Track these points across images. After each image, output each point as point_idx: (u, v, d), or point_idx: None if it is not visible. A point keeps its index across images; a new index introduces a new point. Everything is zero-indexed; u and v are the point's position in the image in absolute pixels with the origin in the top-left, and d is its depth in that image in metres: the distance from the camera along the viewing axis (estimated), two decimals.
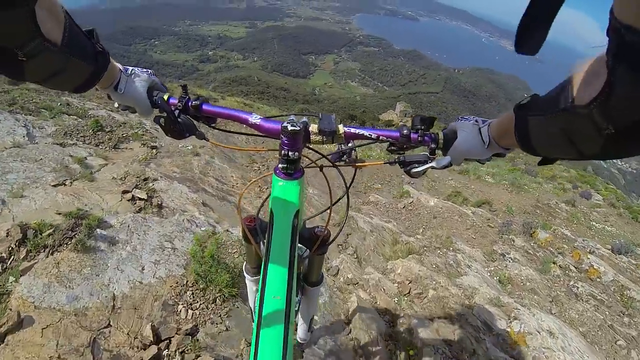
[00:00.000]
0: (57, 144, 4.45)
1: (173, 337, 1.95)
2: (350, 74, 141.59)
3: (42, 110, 5.98)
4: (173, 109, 0.97)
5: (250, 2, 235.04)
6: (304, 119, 0.96)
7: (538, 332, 2.53)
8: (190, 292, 2.14)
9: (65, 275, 2.07)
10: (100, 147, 5.08)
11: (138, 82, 0.94)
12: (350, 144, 1.04)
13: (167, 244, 2.49)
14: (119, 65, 0.92)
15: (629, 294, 4.12)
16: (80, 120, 5.86)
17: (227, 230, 2.89)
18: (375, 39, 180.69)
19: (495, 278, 3.92)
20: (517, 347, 2.48)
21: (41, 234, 2.28)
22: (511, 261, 4.52)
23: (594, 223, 8.24)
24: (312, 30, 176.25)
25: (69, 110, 6.42)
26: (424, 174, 0.97)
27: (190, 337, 1.96)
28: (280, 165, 0.95)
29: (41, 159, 3.91)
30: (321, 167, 1.11)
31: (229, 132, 1.23)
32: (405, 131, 0.94)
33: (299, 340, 1.63)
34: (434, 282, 2.90)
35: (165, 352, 1.87)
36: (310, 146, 1.03)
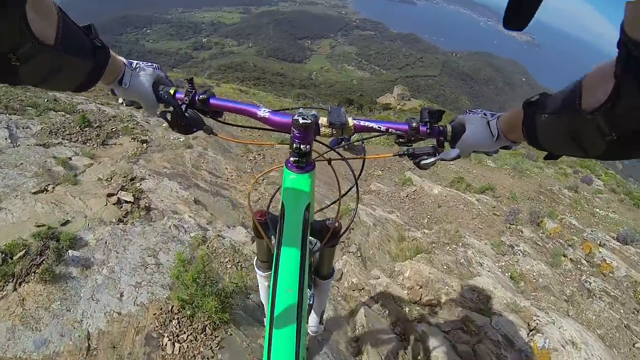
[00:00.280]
0: (40, 145, 4.14)
1: None
2: (347, 58, 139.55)
3: (28, 108, 5.63)
4: (180, 103, 0.93)
5: None
6: (313, 112, 0.93)
7: (562, 346, 2.30)
8: (176, 321, 1.84)
9: (31, 315, 1.77)
10: (88, 144, 4.77)
11: (143, 76, 0.90)
12: (354, 136, 1.06)
13: (150, 260, 2.20)
14: (123, 59, 0.87)
15: None
16: (68, 116, 5.53)
17: (219, 235, 2.60)
18: (372, 22, 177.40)
19: (507, 274, 3.69)
20: None
21: (11, 258, 1.98)
22: (521, 254, 4.30)
23: (597, 210, 8.12)
24: (308, 14, 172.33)
25: (56, 106, 6.07)
26: (432, 166, 0.97)
27: None
28: (292, 159, 0.94)
29: (21, 163, 3.60)
30: (329, 160, 1.08)
31: (238, 125, 1.17)
32: (414, 124, 0.95)
33: (310, 332, 1.62)
34: (446, 287, 2.66)
35: None
36: (318, 139, 1.02)
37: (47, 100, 6.33)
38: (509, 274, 3.74)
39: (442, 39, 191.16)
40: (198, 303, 1.82)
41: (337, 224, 1.07)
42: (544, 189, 8.36)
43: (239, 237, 2.71)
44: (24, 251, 2.08)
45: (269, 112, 0.97)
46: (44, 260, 1.94)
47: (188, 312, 1.82)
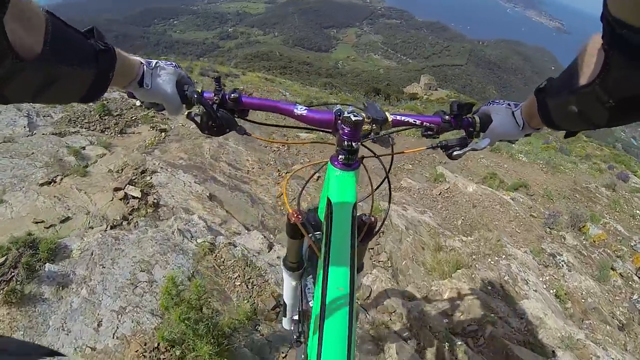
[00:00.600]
0: (55, 134, 3.88)
1: None
2: (373, 46, 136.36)
3: None
4: (210, 103, 0.85)
5: None
6: (351, 108, 0.90)
7: None
8: None
9: None
10: (106, 132, 4.50)
11: (165, 76, 0.81)
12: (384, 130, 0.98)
13: (142, 276, 1.82)
14: (139, 59, 0.78)
15: None
16: (91, 104, 5.29)
17: (230, 243, 2.20)
18: (397, 10, 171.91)
19: (552, 291, 3.17)
20: None
21: None
22: (566, 266, 3.75)
23: (637, 211, 7.34)
24: (333, 3, 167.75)
25: None
26: (463, 155, 0.95)
27: None
28: (340, 157, 0.90)
29: (33, 153, 3.34)
30: (362, 158, 1.01)
31: (272, 125, 1.12)
32: (447, 117, 0.95)
33: None
34: (491, 314, 2.20)
35: None
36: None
37: None
38: (554, 290, 3.22)
39: (469, 27, 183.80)
40: (189, 344, 1.44)
41: (372, 219, 1.01)
42: (579, 186, 7.69)
43: (253, 243, 2.32)
44: (5, 257, 1.76)
45: (306, 109, 0.93)
46: (13, 276, 1.60)
47: (177, 353, 1.43)
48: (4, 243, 1.86)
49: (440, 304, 2.30)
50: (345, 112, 0.87)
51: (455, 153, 0.96)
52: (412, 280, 2.63)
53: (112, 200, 2.75)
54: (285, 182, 1.14)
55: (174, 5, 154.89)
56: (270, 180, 4.51)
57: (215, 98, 0.87)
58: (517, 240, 4.37)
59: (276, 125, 1.12)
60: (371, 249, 3.11)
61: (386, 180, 1.11)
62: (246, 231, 2.88)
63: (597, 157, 13.58)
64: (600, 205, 7.16)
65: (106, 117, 4.83)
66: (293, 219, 1.02)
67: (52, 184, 2.95)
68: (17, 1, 0.42)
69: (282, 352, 1.70)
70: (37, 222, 2.44)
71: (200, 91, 0.87)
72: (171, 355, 1.42)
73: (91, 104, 5.37)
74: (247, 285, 1.88)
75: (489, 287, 2.58)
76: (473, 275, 2.64)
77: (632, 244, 4.89)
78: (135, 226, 2.43)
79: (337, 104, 0.93)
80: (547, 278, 3.33)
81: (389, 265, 2.88)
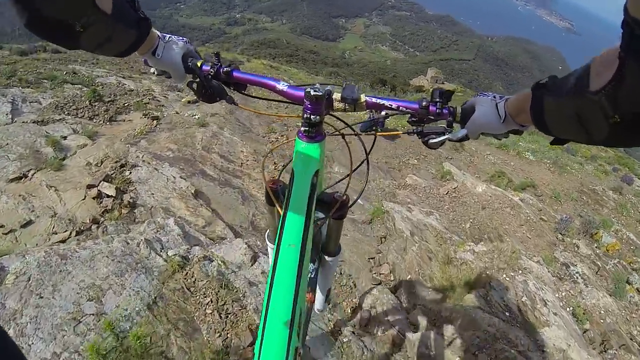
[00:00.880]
0: (37, 122, 3.50)
1: None
2: (381, 38, 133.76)
3: (44, 80, 5.07)
4: (205, 74, 0.94)
5: None
6: (329, 87, 0.94)
7: None
8: None
9: None
10: (94, 120, 4.12)
11: (175, 49, 0.91)
12: (383, 113, 1.01)
13: (88, 307, 1.41)
14: (157, 32, 0.89)
15: None
16: (84, 89, 4.91)
17: (205, 257, 1.82)
18: (407, 3, 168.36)
19: (568, 309, 2.81)
20: None
21: None
22: (580, 278, 3.39)
23: None
24: None
25: (74, 79, 5.48)
26: (441, 145, 0.94)
27: None
28: (302, 129, 0.93)
29: (7, 144, 2.97)
30: (343, 135, 1.09)
31: (256, 97, 1.12)
32: (424, 103, 0.92)
33: (317, 310, 1.53)
34: (512, 348, 1.84)
35: None
36: (334, 114, 1.01)
37: (66, 73, 5.76)
38: (571, 308, 2.86)
39: (479, 22, 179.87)
40: None
41: (345, 197, 1.04)
42: (586, 188, 7.37)
43: (235, 255, 1.96)
44: None
45: (287, 86, 0.96)
46: None
47: None
48: None
49: (451, 333, 1.94)
50: (308, 88, 0.87)
51: (431, 141, 0.93)
52: (419, 301, 2.26)
53: (83, 200, 2.40)
54: (264, 158, 0.96)
55: None
56: (263, 159, 4.14)
57: (210, 70, 0.94)
58: (528, 247, 4.00)
59: (262, 98, 1.14)
60: (372, 258, 2.75)
61: (364, 160, 1.11)
62: (232, 235, 2.52)
63: (602, 158, 13.12)
64: (607, 208, 6.81)
65: (96, 103, 4.46)
66: (269, 186, 1.03)
67: (23, 179, 2.60)
68: None
69: None
70: None
71: (199, 64, 0.94)
72: None
73: (85, 88, 5.01)
74: (220, 315, 1.52)
75: (507, 313, 2.22)
76: (488, 297, 2.27)
77: None
78: (104, 231, 2.08)
79: (316, 83, 0.92)
80: (563, 294, 2.97)
81: (392, 279, 2.52)
